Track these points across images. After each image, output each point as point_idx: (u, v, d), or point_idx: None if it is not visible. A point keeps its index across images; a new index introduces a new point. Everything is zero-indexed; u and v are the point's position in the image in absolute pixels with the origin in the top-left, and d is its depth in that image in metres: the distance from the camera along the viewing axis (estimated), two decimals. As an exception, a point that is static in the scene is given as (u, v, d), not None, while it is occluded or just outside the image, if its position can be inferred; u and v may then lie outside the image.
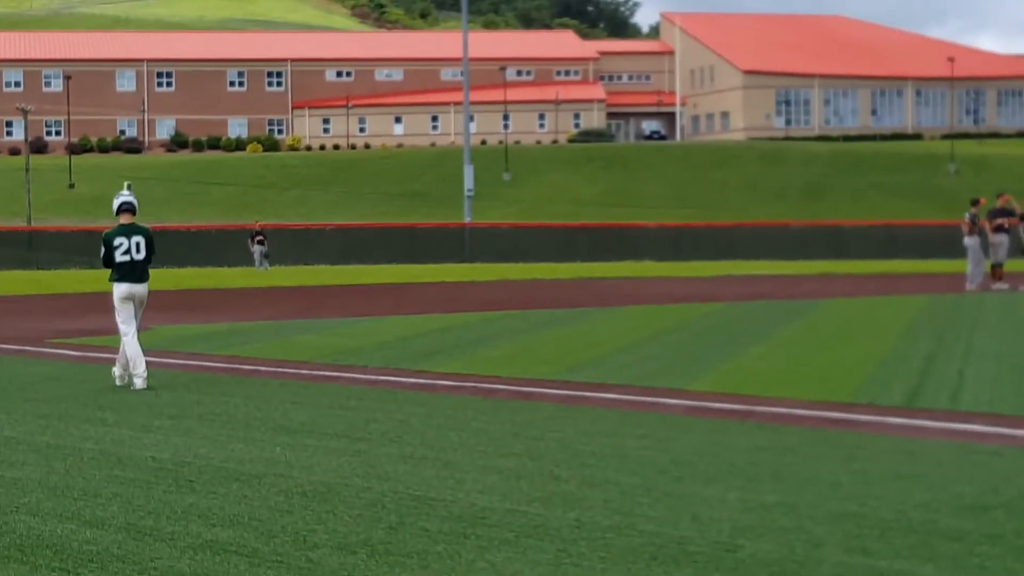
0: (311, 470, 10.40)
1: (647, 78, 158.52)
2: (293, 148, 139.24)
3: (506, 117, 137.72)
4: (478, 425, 12.77)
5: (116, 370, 16.71)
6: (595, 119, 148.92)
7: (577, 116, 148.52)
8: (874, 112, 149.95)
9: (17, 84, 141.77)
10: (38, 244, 71.38)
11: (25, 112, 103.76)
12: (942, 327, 23.77)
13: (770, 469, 10.20)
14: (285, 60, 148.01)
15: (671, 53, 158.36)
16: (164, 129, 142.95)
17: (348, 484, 9.76)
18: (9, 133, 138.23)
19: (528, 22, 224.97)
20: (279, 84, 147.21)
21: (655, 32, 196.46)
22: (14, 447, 11.79)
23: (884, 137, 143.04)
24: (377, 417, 13.39)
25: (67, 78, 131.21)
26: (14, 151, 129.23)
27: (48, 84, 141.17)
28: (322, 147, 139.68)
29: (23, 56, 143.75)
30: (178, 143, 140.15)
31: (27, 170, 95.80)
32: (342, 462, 10.74)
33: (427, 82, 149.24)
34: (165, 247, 67.09)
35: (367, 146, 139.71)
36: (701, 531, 8.11)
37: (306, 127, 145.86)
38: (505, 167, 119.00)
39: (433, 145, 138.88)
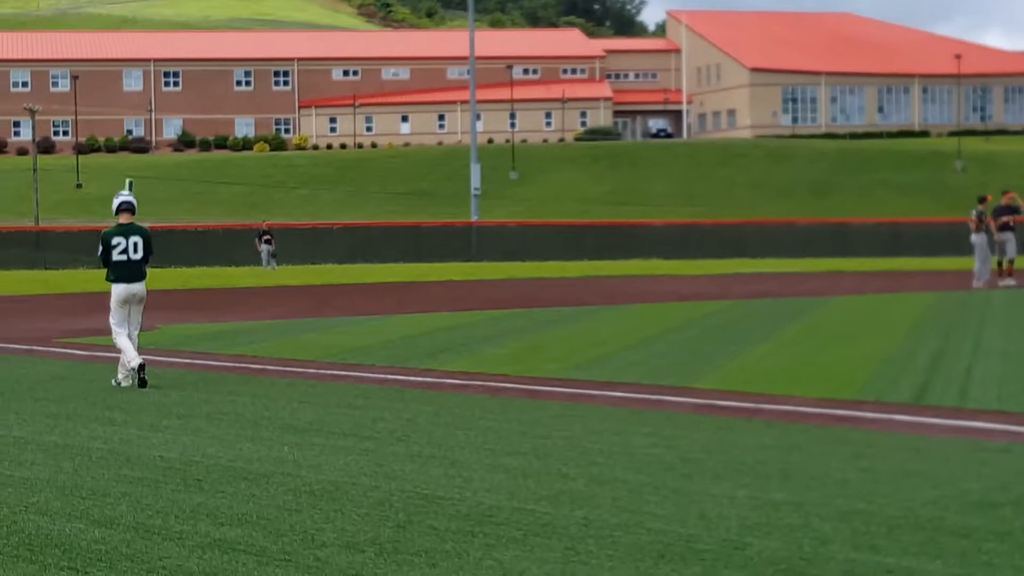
0: (319, 469, 10.42)
1: (653, 76, 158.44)
2: (300, 147, 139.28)
3: (513, 116, 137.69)
4: (485, 423, 12.78)
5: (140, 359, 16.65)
6: (602, 117, 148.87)
7: (584, 114, 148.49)
8: (881, 109, 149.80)
9: (24, 84, 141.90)
10: (46, 244, 71.41)
11: (33, 112, 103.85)
12: (949, 324, 23.76)
13: (778, 467, 10.20)
14: (292, 59, 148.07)
15: (677, 51, 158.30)
16: (171, 129, 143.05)
17: (356, 483, 9.77)
18: (17, 133, 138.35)
19: (534, 21, 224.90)
20: (286, 83, 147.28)
21: (661, 30, 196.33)
22: (23, 446, 11.81)
23: (891, 134, 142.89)
24: (384, 416, 13.41)
25: (74, 78, 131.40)
26: (22, 151, 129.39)
27: (55, 84, 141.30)
28: (329, 146, 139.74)
29: (30, 56, 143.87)
30: (185, 143, 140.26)
31: (35, 170, 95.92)
32: (350, 461, 10.76)
33: (434, 81, 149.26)
34: (172, 247, 67.53)
35: (374, 145, 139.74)
36: (709, 529, 8.11)
37: (313, 126, 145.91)
38: (512, 166, 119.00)
39: (440, 144, 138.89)
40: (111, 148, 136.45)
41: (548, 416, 13.26)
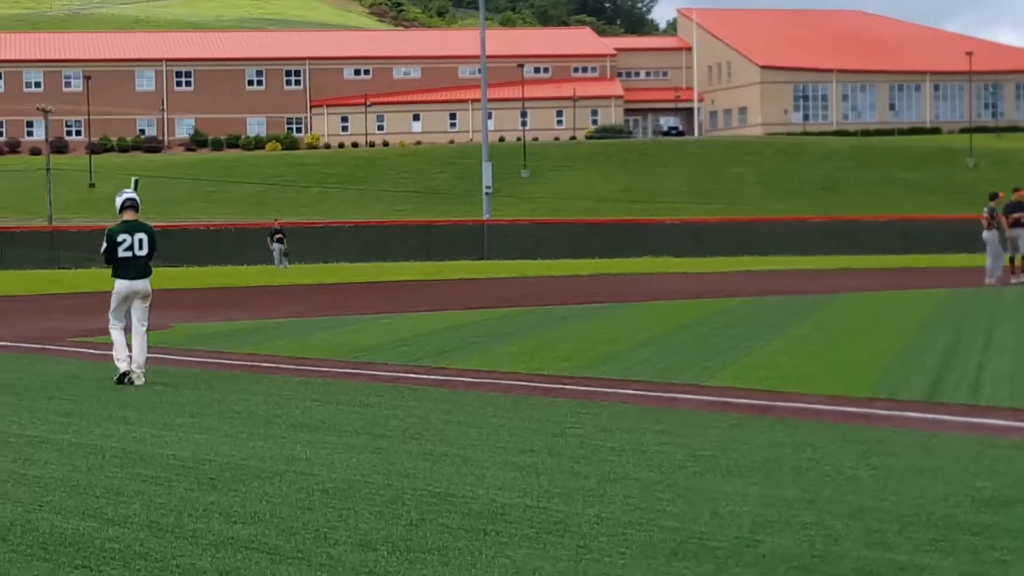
0: (331, 467, 10.44)
1: (664, 74, 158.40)
2: (312, 146, 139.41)
3: (524, 114, 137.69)
4: (497, 421, 12.79)
5: (128, 366, 16.78)
6: (613, 116, 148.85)
7: (595, 113, 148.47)
8: (892, 107, 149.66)
9: (37, 84, 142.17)
10: (59, 244, 71.53)
11: (46, 112, 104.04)
12: (961, 321, 23.73)
13: (790, 464, 10.21)
14: (303, 59, 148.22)
15: (688, 49, 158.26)
16: (183, 128, 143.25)
17: (368, 481, 9.79)
18: (30, 133, 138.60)
19: (545, 19, 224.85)
20: (297, 83, 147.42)
21: (672, 28, 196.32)
22: (37, 445, 11.84)
23: (902, 132, 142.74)
24: (397, 414, 13.42)
25: (87, 78, 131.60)
26: (35, 151, 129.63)
27: (68, 84, 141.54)
28: (341, 145, 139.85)
29: (43, 56, 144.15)
30: (197, 142, 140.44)
31: (48, 170, 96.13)
32: (362, 459, 10.78)
33: (445, 80, 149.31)
34: (185, 246, 67.66)
35: (385, 144, 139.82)
36: (721, 526, 8.12)
37: (324, 125, 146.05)
38: (523, 164, 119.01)
39: (451, 143, 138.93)
40: (124, 148, 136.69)
41: (560, 414, 13.27)
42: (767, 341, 20.47)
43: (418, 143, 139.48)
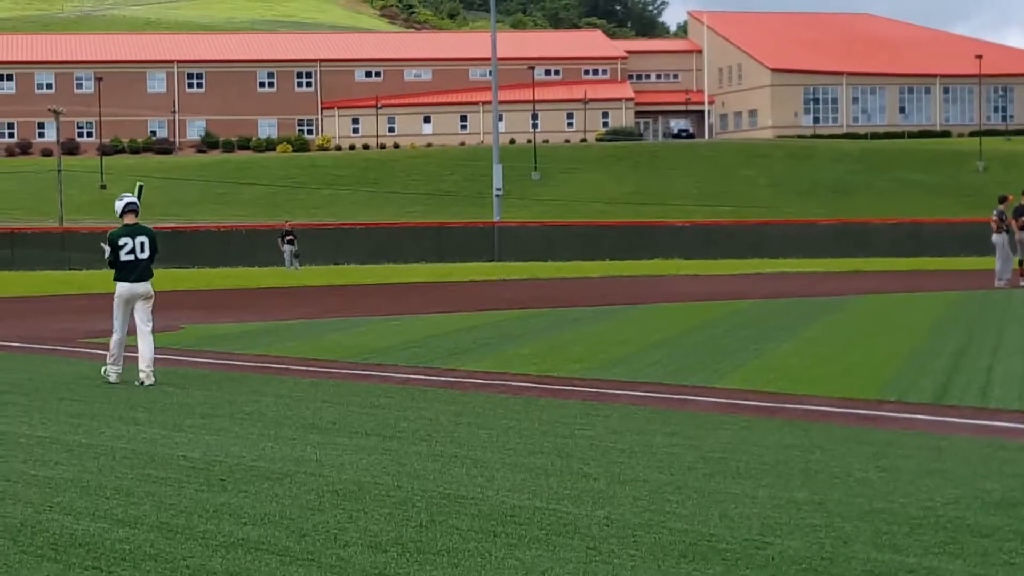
0: (342, 468, 10.46)
1: (675, 77, 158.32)
2: (323, 148, 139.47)
3: (535, 116, 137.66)
4: (507, 423, 12.81)
5: (138, 366, 16.91)
6: (623, 118, 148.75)
7: (605, 115, 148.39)
8: (902, 110, 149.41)
9: (49, 86, 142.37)
10: (71, 245, 71.56)
11: (57, 114, 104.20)
12: (970, 324, 23.71)
13: (799, 466, 10.21)
14: (314, 61, 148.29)
15: (699, 52, 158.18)
16: (195, 130, 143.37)
17: (378, 482, 9.80)
18: (41, 134, 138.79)
19: (556, 22, 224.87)
20: (308, 85, 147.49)
21: (683, 31, 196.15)
22: (47, 446, 11.87)
23: (912, 134, 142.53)
24: (407, 415, 13.44)
25: (98, 80, 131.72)
26: (46, 152, 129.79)
27: (79, 86, 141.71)
28: (352, 147, 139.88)
29: (55, 58, 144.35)
30: (209, 144, 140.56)
31: (59, 171, 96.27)
32: (372, 460, 10.79)
33: (456, 82, 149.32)
34: (196, 247, 67.76)
35: (396, 146, 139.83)
36: (731, 528, 8.13)
37: (336, 127, 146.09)
38: (534, 166, 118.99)
39: (462, 144, 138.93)
40: (135, 149, 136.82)
41: (570, 415, 13.29)
42: (777, 343, 20.47)
43: (429, 145, 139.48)
